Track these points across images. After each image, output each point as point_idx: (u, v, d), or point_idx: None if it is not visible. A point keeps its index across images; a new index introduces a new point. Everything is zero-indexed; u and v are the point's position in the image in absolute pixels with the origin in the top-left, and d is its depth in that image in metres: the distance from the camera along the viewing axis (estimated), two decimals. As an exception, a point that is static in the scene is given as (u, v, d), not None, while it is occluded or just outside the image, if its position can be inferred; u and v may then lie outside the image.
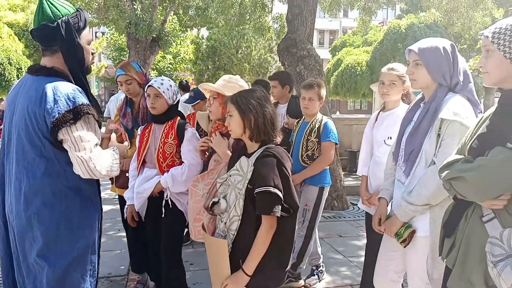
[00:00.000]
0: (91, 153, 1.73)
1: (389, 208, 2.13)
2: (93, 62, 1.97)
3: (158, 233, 2.61)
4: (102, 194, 6.47)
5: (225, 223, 1.79)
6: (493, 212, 1.42)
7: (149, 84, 2.54)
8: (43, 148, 1.72)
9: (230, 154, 2.11)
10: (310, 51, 5.75)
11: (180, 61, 23.49)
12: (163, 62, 22.79)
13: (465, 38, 18.90)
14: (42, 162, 1.73)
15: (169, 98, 2.55)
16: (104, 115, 6.69)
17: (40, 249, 1.73)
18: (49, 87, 1.70)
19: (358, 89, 17.25)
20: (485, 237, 1.41)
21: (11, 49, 15.20)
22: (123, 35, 13.54)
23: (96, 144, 1.78)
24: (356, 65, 17.34)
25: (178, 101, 2.69)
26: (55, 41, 1.76)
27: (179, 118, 2.63)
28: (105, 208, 5.64)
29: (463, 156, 1.53)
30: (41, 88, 1.71)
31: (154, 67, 22.04)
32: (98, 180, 1.93)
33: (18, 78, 14.87)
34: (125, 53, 20.13)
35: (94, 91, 32.49)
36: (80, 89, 1.78)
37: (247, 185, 1.74)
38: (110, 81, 25.13)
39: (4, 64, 14.46)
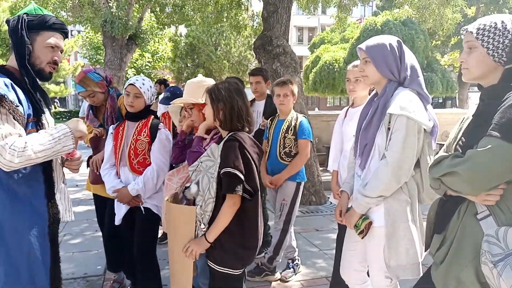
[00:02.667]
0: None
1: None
2: (54, 69, 1.88)
3: (132, 232, 2.61)
4: (79, 195, 6.35)
5: (201, 206, 1.88)
6: (488, 209, 1.43)
7: (130, 82, 2.54)
8: None
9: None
10: (286, 48, 5.81)
11: (159, 59, 23.23)
12: (141, 60, 22.49)
13: (439, 35, 19.36)
14: None
15: (148, 98, 2.60)
16: (80, 115, 6.66)
17: None
18: None
19: (336, 85, 17.42)
20: (480, 234, 1.41)
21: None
22: (99, 33, 13.32)
23: (9, 133, 1.65)
24: (334, 62, 17.51)
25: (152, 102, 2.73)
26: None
27: (153, 117, 2.65)
28: (81, 209, 5.61)
29: (451, 153, 1.54)
30: None
31: (132, 66, 21.74)
32: (47, 181, 1.84)
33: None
34: (101, 51, 19.79)
35: (71, 90, 31.81)
36: (11, 83, 1.72)
37: (218, 169, 1.83)
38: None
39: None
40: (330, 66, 17.61)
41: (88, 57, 22.58)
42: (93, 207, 3.83)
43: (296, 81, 4.09)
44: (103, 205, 2.99)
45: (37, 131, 1.80)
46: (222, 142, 1.88)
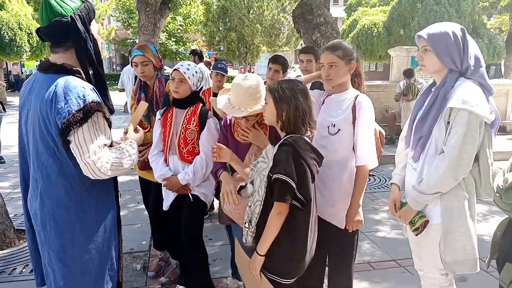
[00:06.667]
0: (96, 155, 1.66)
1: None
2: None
3: (179, 217, 2.64)
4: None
5: (250, 206, 1.85)
6: None
7: (175, 67, 2.50)
8: (56, 150, 1.68)
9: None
10: (327, 18, 5.52)
11: (191, 23, 22.92)
12: (173, 24, 22.27)
13: (488, -5, 17.97)
14: (56, 164, 1.69)
15: (193, 84, 2.53)
16: (118, 87, 6.69)
17: (57, 252, 1.74)
18: (60, 86, 1.63)
19: (375, 51, 16.62)
20: None
21: (21, 14, 14.98)
22: (133, -3, 13.19)
23: (104, 144, 1.71)
24: (372, 26, 16.61)
25: (201, 88, 2.67)
26: (68, 37, 1.69)
27: (201, 104, 2.60)
28: (123, 179, 5.74)
29: None
30: (52, 87, 1.64)
31: (164, 29, 21.57)
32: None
33: (29, 43, 14.90)
34: (134, 15, 19.71)
35: (105, 54, 32.19)
36: (90, 86, 1.71)
37: (268, 172, 1.76)
38: (121, 44, 24.78)
39: (14, 29, 14.32)
40: (368, 31, 16.76)
41: (121, 21, 22.57)
42: (134, 178, 3.85)
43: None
44: (148, 187, 3.02)
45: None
46: (277, 145, 1.79)
